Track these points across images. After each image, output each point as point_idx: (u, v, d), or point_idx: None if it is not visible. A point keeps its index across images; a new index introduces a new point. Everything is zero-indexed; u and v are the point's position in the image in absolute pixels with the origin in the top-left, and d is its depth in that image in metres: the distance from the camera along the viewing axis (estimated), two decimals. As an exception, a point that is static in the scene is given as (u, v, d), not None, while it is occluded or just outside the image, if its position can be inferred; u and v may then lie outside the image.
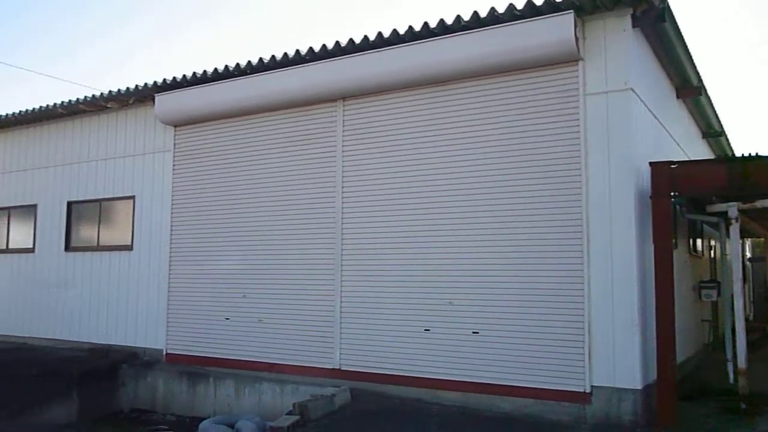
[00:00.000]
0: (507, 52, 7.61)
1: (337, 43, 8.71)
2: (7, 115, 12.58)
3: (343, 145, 8.97)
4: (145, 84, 10.52)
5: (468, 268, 7.90)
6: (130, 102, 11.16)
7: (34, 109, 12.17)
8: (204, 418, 8.62)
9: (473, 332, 7.77)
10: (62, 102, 11.69)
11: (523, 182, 7.64)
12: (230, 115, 9.94)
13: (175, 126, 10.62)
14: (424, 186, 8.28)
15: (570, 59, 7.41)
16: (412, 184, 8.37)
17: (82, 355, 10.89)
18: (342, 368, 8.64)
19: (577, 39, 7.24)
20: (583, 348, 7.10)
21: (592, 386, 7.04)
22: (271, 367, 9.19)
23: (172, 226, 10.50)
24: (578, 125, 7.37)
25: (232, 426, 8.05)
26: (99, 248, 11.62)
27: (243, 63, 9.53)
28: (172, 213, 10.52)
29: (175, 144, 10.64)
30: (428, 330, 8.07)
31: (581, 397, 7.07)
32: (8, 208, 13.14)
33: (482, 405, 7.57)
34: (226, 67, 9.68)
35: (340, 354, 8.69)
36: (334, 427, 7.19)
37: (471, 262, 7.89)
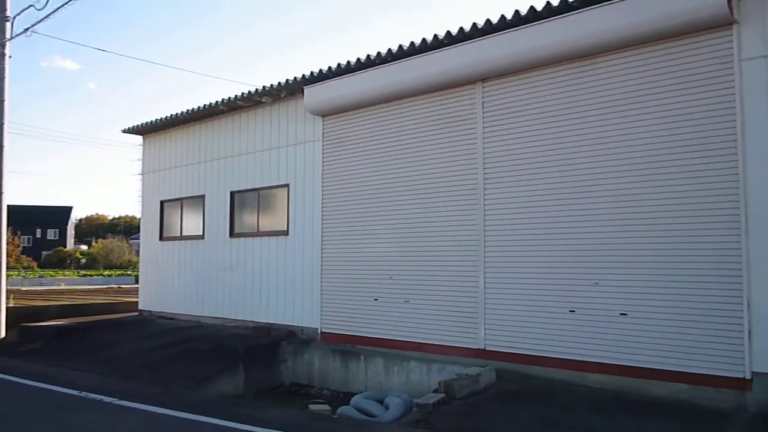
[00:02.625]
0: (654, 19, 7.22)
1: (474, 25, 8.70)
2: (178, 114, 13.80)
3: (484, 127, 8.96)
4: (295, 78, 11.10)
5: (614, 248, 7.64)
6: (282, 96, 11.83)
7: (199, 107, 13.25)
8: (356, 394, 9.04)
9: (621, 314, 7.52)
10: (222, 99, 12.62)
11: (673, 157, 7.24)
12: (374, 102, 10.25)
13: (323, 116, 11.12)
14: (568, 165, 8.10)
15: (723, 23, 6.90)
16: (555, 163, 8.21)
17: (247, 333, 11.80)
18: (486, 348, 8.70)
19: (729, 0, 6.73)
20: (741, 330, 6.65)
21: (752, 372, 6.58)
22: (418, 347, 9.43)
23: (323, 211, 11.03)
24: (733, 94, 6.86)
25: (381, 401, 8.39)
26: (259, 234, 12.48)
27: (384, 51, 9.77)
28: (322, 199, 11.05)
29: (323, 133, 11.14)
30: (573, 311, 7.91)
31: (740, 384, 6.63)
32: (181, 199, 14.45)
33: (632, 389, 7.32)
34: (368, 56, 9.99)
35: (485, 334, 8.74)
36: (478, 406, 7.28)
37: (617, 242, 7.62)
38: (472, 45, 8.76)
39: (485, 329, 8.74)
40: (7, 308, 13.64)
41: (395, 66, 9.69)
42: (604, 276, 7.70)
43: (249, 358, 10.40)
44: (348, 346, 10.27)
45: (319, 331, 10.95)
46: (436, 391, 7.70)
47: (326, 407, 8.83)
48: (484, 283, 8.80)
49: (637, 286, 7.43)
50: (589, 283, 7.82)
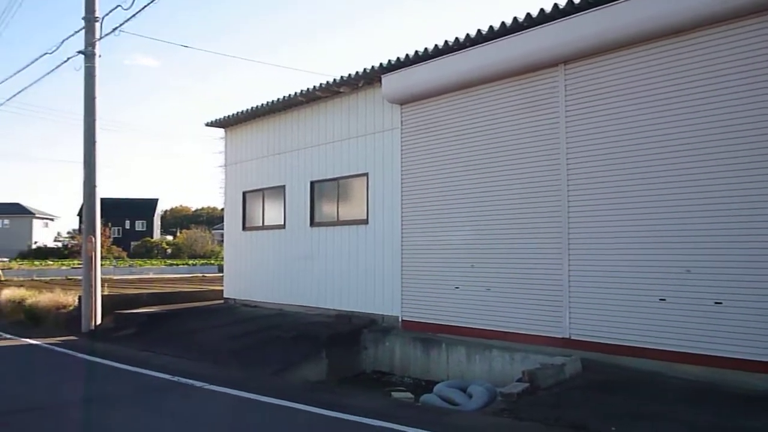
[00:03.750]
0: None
1: (555, 5, 8.46)
2: (258, 106, 14.08)
3: (566, 111, 8.73)
4: (372, 66, 11.11)
5: (708, 233, 7.31)
6: (360, 85, 11.88)
7: (278, 99, 13.48)
8: (438, 382, 9.03)
9: (715, 302, 7.19)
10: (302, 90, 12.79)
11: (772, 136, 6.85)
12: (452, 89, 10.14)
13: (401, 104, 11.09)
14: (657, 148, 7.79)
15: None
16: (643, 147, 7.91)
17: (328, 321, 11.97)
18: (571, 337, 8.51)
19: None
20: None
21: None
22: (500, 335, 9.32)
23: (402, 200, 11.03)
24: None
25: (464, 390, 8.35)
26: (339, 223, 12.62)
27: (462, 37, 9.65)
28: (402, 187, 11.05)
29: (402, 121, 11.12)
30: (663, 299, 7.62)
31: None
32: (263, 190, 14.76)
33: (728, 381, 6.99)
34: (446, 42, 9.89)
35: (570, 323, 8.55)
36: (564, 396, 7.13)
37: (711, 227, 7.29)
38: (555, 26, 8.52)
39: (570, 318, 8.55)
40: (103, 296, 14.30)
41: (473, 51, 9.55)
42: (697, 263, 7.38)
43: (331, 346, 10.55)
44: (429, 335, 10.26)
45: (399, 320, 10.99)
46: (520, 380, 7.58)
47: (409, 395, 8.85)
48: (569, 270, 8.60)
49: (733, 273, 7.09)
50: (680, 270, 7.51)
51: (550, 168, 8.89)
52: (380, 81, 11.14)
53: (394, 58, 10.73)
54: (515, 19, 8.95)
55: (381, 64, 10.94)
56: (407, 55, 10.53)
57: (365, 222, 11.91)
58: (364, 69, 11.28)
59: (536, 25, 8.76)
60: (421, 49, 10.32)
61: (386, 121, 11.50)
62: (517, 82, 9.34)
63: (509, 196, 9.38)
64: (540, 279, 8.94)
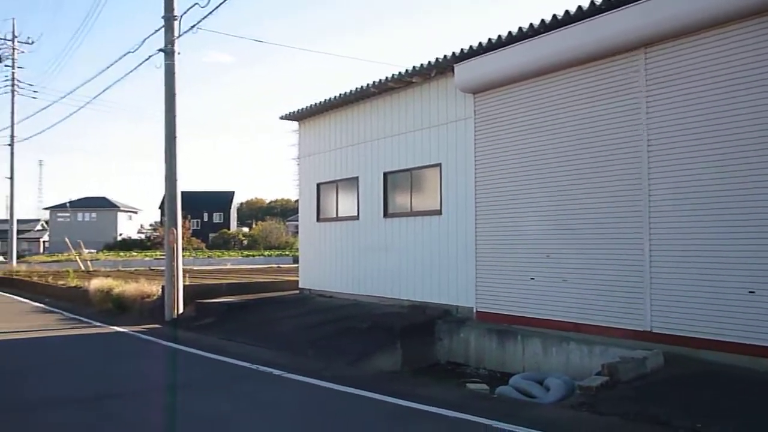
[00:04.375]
0: None
1: (635, -14, 8.17)
2: (331, 98, 14.22)
3: (647, 96, 8.42)
4: (445, 56, 11.03)
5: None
6: (432, 74, 11.81)
7: (351, 91, 13.57)
8: (513, 374, 8.93)
9: (811, 295, 6.81)
10: (374, 82, 12.83)
11: None
12: (527, 76, 9.94)
13: (474, 93, 10.96)
14: (747, 132, 7.41)
15: None
16: (732, 131, 7.55)
17: (402, 311, 12.00)
18: (653, 330, 8.23)
19: None
20: None
21: None
22: (577, 327, 9.13)
23: (476, 189, 10.92)
24: None
25: (541, 383, 8.22)
26: (412, 214, 12.61)
27: (536, 23, 9.46)
28: (475, 177, 10.93)
29: (475, 111, 11.00)
30: (753, 292, 7.27)
31: None
32: (336, 181, 14.91)
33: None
34: (520, 29, 9.71)
35: (651, 315, 8.28)
36: (645, 390, 6.92)
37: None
38: (635, 8, 8.21)
39: (651, 310, 8.28)
40: (184, 286, 14.80)
41: (549, 37, 9.33)
42: (791, 253, 7.00)
43: (405, 336, 10.57)
44: (504, 326, 10.14)
45: (474, 311, 10.91)
46: (599, 373, 7.41)
47: (484, 387, 8.78)
48: (650, 261, 8.32)
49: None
50: (772, 261, 7.15)
51: (629, 155, 8.60)
52: (453, 70, 11.04)
53: (466, 47, 10.62)
54: (592, 2, 8.69)
55: (453, 53, 10.85)
56: (480, 43, 10.40)
57: (438, 213, 11.86)
58: (437, 58, 11.21)
59: (614, 8, 8.47)
60: (494, 37, 10.17)
61: (459, 110, 11.41)
62: (594, 68, 9.07)
63: (587, 185, 9.15)
64: (619, 270, 8.69)
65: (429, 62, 11.39)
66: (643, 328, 8.34)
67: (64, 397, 7.54)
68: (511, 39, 9.92)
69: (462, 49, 10.69)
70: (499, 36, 10.07)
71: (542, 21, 9.36)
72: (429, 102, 12.17)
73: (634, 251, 8.50)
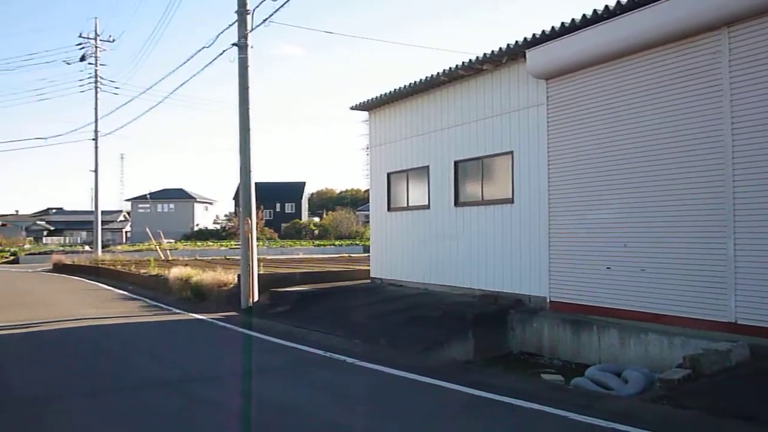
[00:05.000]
0: None
1: (719, -38, 7.80)
2: (401, 88, 14.21)
3: (731, 78, 8.04)
4: (516, 42, 10.84)
5: None
6: (504, 61, 11.64)
7: (421, 80, 13.52)
8: (588, 365, 8.75)
9: None
10: (444, 70, 12.73)
11: None
12: (601, 60, 9.66)
13: (547, 79, 10.74)
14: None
15: None
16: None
17: (473, 301, 11.93)
18: (737, 322, 7.89)
19: None
20: None
21: None
22: (656, 318, 8.85)
23: (549, 177, 10.71)
24: None
25: (618, 375, 8.02)
26: (483, 202, 12.50)
27: (612, 4, 9.16)
28: (548, 165, 10.73)
29: (547, 97, 10.77)
30: None
31: None
32: (407, 171, 14.92)
33: None
34: (595, 11, 9.43)
35: (736, 306, 7.94)
36: (729, 384, 6.67)
37: None
38: (717, -14, 7.85)
39: (736, 301, 7.94)
40: (259, 275, 15.14)
41: (624, 19, 9.02)
42: None
43: (477, 326, 10.51)
44: (579, 316, 9.94)
45: (547, 300, 10.73)
46: (680, 366, 7.18)
47: (559, 377, 8.65)
48: (734, 250, 7.97)
49: None
50: None
51: (711, 141, 8.25)
52: (524, 56, 10.83)
53: (538, 32, 10.40)
54: (672, -19, 8.35)
55: (525, 38, 10.64)
56: (553, 27, 10.16)
57: (510, 201, 11.71)
58: (508, 45, 11.03)
59: (696, -14, 8.12)
60: (567, 21, 9.92)
61: (531, 97, 11.20)
62: (674, 50, 8.72)
63: (665, 171, 8.82)
64: (701, 259, 8.36)
65: (500, 48, 11.22)
66: (727, 320, 8.02)
67: (152, 381, 7.87)
68: (586, 22, 9.65)
69: (534, 35, 10.48)
70: (573, 20, 9.82)
71: (618, 2, 9.06)
72: (500, 89, 11.99)
73: (717, 240, 8.17)
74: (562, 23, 10.00)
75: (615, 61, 9.50)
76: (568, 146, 10.36)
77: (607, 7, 9.23)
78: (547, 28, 10.25)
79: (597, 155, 9.84)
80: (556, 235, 10.61)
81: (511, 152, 11.68)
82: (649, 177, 9.05)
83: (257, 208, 15.68)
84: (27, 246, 62.00)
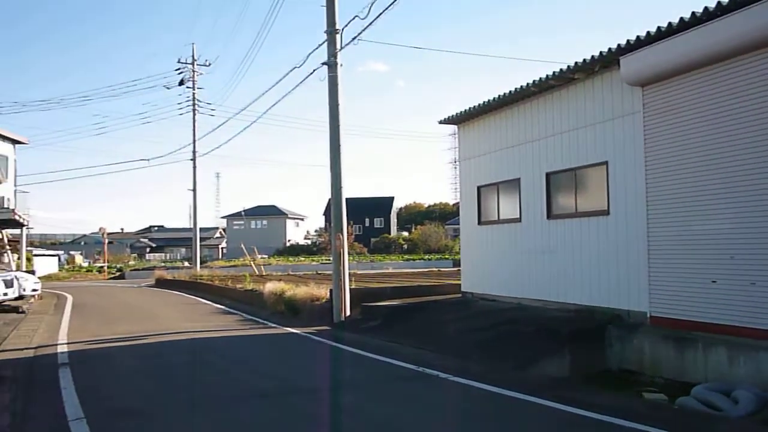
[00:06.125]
0: None
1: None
2: (490, 100, 14.10)
3: None
4: (609, 49, 10.54)
5: None
6: (596, 69, 11.34)
7: (510, 91, 13.36)
8: (694, 384, 8.31)
9: None
10: (533, 81, 12.54)
11: None
12: (703, 63, 9.20)
13: (643, 86, 10.36)
14: None
15: None
16: None
17: (568, 316, 11.60)
18: None
19: None
20: None
21: None
22: (769, 335, 8.32)
23: (647, 187, 10.30)
24: None
25: (727, 394, 7.59)
26: (577, 215, 12.17)
27: (712, 5, 8.76)
28: (646, 174, 10.32)
29: (643, 104, 10.40)
30: None
31: None
32: (497, 184, 14.74)
33: None
34: (693, 14, 9.04)
35: None
36: None
37: None
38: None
39: None
40: (350, 289, 15.32)
41: (729, 19, 8.59)
42: None
43: (573, 341, 10.21)
44: (682, 332, 9.46)
45: (647, 315, 10.29)
46: (797, 386, 6.71)
47: (662, 396, 8.27)
48: None
49: None
50: None
51: (828, 144, 7.71)
52: (618, 64, 10.51)
53: (633, 38, 10.07)
54: (778, -22, 7.90)
55: (619, 45, 10.33)
56: (648, 32, 9.81)
57: (606, 213, 11.35)
58: (600, 52, 10.74)
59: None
60: (663, 25, 9.56)
61: (626, 105, 10.84)
62: (782, 50, 8.23)
63: (776, 179, 8.30)
64: (819, 272, 7.81)
65: (592, 56, 10.94)
66: None
67: (251, 392, 8.08)
68: (684, 25, 9.26)
69: (628, 41, 10.16)
70: (670, 23, 9.45)
71: (719, 3, 8.65)
72: (593, 98, 11.69)
73: (837, 251, 7.60)
74: (658, 28, 9.64)
75: (719, 64, 9.05)
76: (667, 155, 9.94)
77: (706, 8, 8.84)
78: (642, 34, 9.91)
79: (700, 164, 9.39)
80: (655, 248, 10.18)
81: (606, 162, 11.34)
82: (759, 185, 8.54)
83: (347, 223, 15.88)
84: (131, 262, 65.48)
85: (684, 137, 9.66)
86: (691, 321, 9.46)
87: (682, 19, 9.24)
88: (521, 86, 12.97)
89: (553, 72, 11.96)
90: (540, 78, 12.34)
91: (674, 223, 9.84)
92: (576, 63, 11.36)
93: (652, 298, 10.22)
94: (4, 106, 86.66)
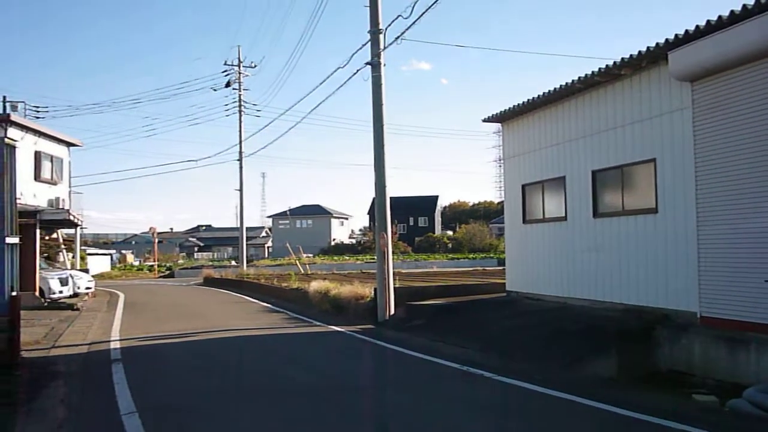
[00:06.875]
0: None
1: None
2: (534, 98, 13.99)
3: None
4: (657, 44, 10.36)
5: None
6: (643, 65, 11.14)
7: (555, 88, 13.23)
8: (746, 386, 8.11)
9: None
10: (579, 77, 12.38)
11: None
12: (755, 57, 8.93)
13: (692, 81, 10.14)
14: None
15: None
16: None
17: (615, 315, 11.43)
18: None
19: None
20: None
21: None
22: (827, 336, 8.06)
23: (697, 184, 10.08)
24: None
25: (784, 396, 7.39)
26: (624, 213, 11.98)
27: (765, -2, 8.53)
28: (695, 171, 10.10)
29: (693, 100, 10.18)
30: None
31: None
32: (542, 182, 14.61)
33: None
34: (744, 6, 8.81)
35: None
36: None
37: None
38: None
39: None
40: (394, 288, 15.37)
41: (781, 12, 8.36)
42: None
43: (620, 341, 10.07)
44: (733, 333, 9.24)
45: (698, 315, 10.07)
46: None
47: (713, 398, 8.10)
48: None
49: None
50: None
51: None
52: (666, 59, 10.31)
53: (681, 32, 9.87)
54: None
55: (667, 39, 10.13)
56: (697, 26, 9.60)
57: (654, 211, 11.14)
58: (648, 47, 10.55)
59: None
60: (713, 19, 9.35)
61: (674, 101, 10.63)
62: (839, 42, 7.97)
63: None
64: None
65: (639, 52, 10.76)
66: None
67: (299, 389, 8.24)
68: (734, 19, 9.04)
69: (677, 35, 9.96)
70: (720, 17, 9.23)
71: (771, -5, 8.42)
72: (639, 94, 11.49)
73: None
74: (708, 21, 9.43)
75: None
76: (718, 151, 9.71)
77: (758, 0, 8.61)
78: (691, 28, 9.70)
79: (750, 160, 9.14)
80: (705, 247, 9.96)
81: (654, 159, 11.14)
82: (812, 182, 8.29)
83: (391, 222, 15.94)
84: (180, 261, 66.88)
85: (734, 134, 9.42)
86: (742, 321, 9.22)
87: (732, 12, 9.02)
88: (566, 83, 12.83)
89: (599, 68, 11.79)
90: (586, 74, 12.18)
91: (724, 222, 9.61)
92: (623, 59, 11.18)
93: (702, 297, 10.00)
94: (59, 110, 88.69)
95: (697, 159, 10.08)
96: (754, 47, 8.87)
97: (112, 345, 12.06)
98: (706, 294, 9.94)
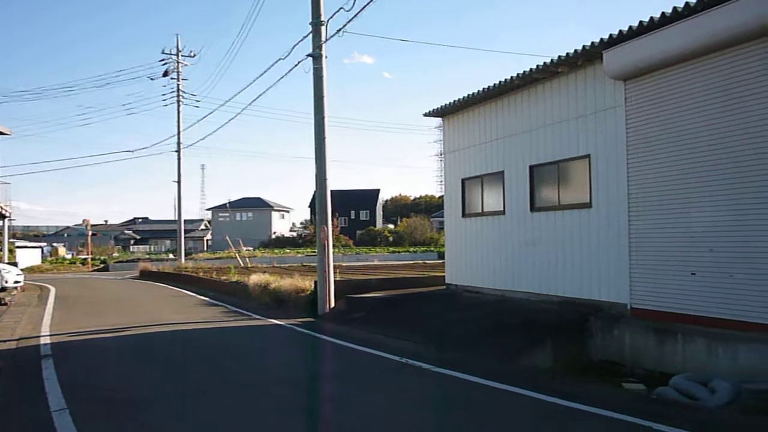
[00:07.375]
0: None
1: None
2: (474, 93, 14.15)
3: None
4: (592, 43, 10.63)
5: None
6: (579, 63, 11.43)
7: (495, 84, 13.41)
8: (673, 375, 8.45)
9: None
10: (518, 74, 12.60)
11: None
12: (684, 58, 9.29)
13: (625, 80, 10.46)
14: None
15: None
16: None
17: (552, 308, 11.73)
18: (837, 331, 7.47)
19: None
20: None
21: None
22: (747, 327, 8.45)
23: (629, 180, 10.42)
24: None
25: (705, 384, 7.72)
26: (560, 207, 12.28)
27: (693, 0, 8.85)
28: (628, 168, 10.44)
29: (626, 98, 10.50)
30: None
31: None
32: (481, 176, 14.82)
33: None
34: (675, 8, 9.12)
35: (834, 314, 7.51)
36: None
37: None
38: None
39: (834, 308, 7.51)
40: (335, 281, 15.36)
41: (709, 15, 8.68)
42: None
43: (556, 333, 10.34)
44: (662, 324, 9.61)
45: (628, 307, 10.43)
46: (773, 376, 6.86)
47: (641, 387, 8.41)
48: (832, 254, 7.54)
49: None
50: None
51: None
52: (601, 58, 10.60)
53: (615, 32, 10.16)
54: (758, -26, 7.98)
55: (602, 39, 10.42)
56: (630, 27, 9.90)
57: (588, 206, 11.46)
58: (584, 46, 10.82)
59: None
60: (645, 20, 9.65)
61: (608, 98, 10.94)
62: (760, 46, 8.33)
63: (758, 173, 8.41)
64: (795, 264, 7.95)
65: (575, 50, 11.02)
66: (824, 328, 7.60)
67: (238, 383, 8.11)
68: (665, 20, 9.35)
69: (611, 35, 10.25)
70: (652, 18, 9.54)
71: (700, -1, 8.74)
72: (576, 92, 11.78)
73: (813, 243, 7.74)
74: (641, 22, 9.73)
75: (699, 59, 9.14)
76: (649, 148, 10.05)
77: (687, 3, 8.93)
78: (624, 28, 10.00)
79: (680, 157, 9.51)
80: (636, 240, 10.31)
81: (588, 156, 11.45)
82: (738, 179, 8.67)
83: (332, 215, 15.91)
84: (115, 254, 65.02)
85: (664, 131, 9.77)
86: (671, 313, 9.60)
87: (663, 14, 9.33)
88: (506, 79, 13.03)
89: (537, 65, 12.03)
90: (524, 71, 12.40)
91: (654, 216, 9.97)
92: (560, 56, 11.44)
93: (633, 289, 10.36)
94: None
95: (629, 156, 10.42)
96: (678, 51, 9.22)
97: (42, 340, 11.66)
98: (636, 286, 10.29)
